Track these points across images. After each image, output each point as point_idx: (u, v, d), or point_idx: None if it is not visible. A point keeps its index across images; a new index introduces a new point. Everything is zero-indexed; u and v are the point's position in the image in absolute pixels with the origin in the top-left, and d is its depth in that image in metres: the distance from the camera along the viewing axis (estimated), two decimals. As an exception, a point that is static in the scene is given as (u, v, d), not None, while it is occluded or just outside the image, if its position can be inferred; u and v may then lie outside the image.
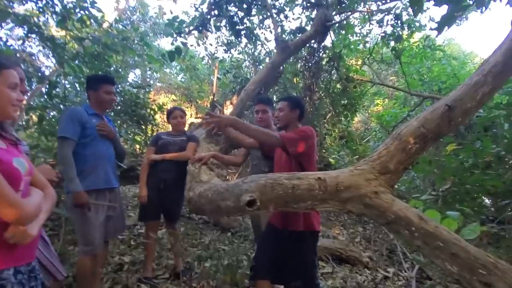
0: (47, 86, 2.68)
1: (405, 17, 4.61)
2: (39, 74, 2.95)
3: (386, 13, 4.37)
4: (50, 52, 3.38)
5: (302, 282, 1.78)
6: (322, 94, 5.40)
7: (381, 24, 4.37)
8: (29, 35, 2.97)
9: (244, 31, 4.43)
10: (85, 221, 1.86)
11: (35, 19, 2.88)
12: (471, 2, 1.54)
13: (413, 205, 1.91)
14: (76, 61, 3.04)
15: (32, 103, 3.35)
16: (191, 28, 4.46)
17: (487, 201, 3.48)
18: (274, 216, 1.92)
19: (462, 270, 1.08)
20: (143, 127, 4.50)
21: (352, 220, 4.96)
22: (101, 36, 3.44)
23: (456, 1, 1.61)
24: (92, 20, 3.18)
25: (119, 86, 4.64)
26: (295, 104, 1.96)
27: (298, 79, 5.83)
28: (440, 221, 1.52)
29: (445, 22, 1.70)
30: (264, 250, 1.89)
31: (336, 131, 5.86)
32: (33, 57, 6.02)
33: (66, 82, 3.91)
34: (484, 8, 1.69)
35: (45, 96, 2.94)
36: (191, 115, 8.98)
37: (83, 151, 1.91)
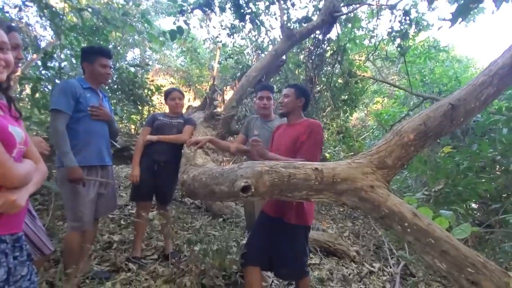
0: (42, 57, 2.58)
1: (413, 14, 4.55)
2: (35, 44, 2.84)
3: (395, 7, 4.28)
4: (47, 22, 3.25)
5: (292, 269, 1.80)
6: (323, 87, 5.35)
7: (392, 11, 4.25)
8: (26, 3, 2.84)
9: (249, 16, 4.31)
10: (75, 197, 1.83)
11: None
12: (486, -3, 1.51)
13: (407, 201, 1.93)
14: (74, 34, 2.94)
15: (26, 73, 3.24)
16: (195, 7, 4.32)
17: (474, 205, 3.54)
18: (268, 205, 1.92)
19: (451, 267, 1.08)
20: (140, 107, 4.42)
21: (342, 214, 5.02)
22: (100, 8, 3.31)
23: None
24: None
25: (117, 63, 4.53)
26: (301, 92, 1.93)
27: (300, 71, 5.75)
28: (432, 219, 1.53)
29: (460, 13, 1.66)
30: (256, 238, 1.90)
31: (334, 125, 5.84)
32: (30, 28, 5.83)
33: (62, 55, 3.79)
34: (499, 3, 1.64)
35: (41, 68, 2.85)
36: (189, 99, 8.87)
37: (76, 126, 1.86)
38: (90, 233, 2.03)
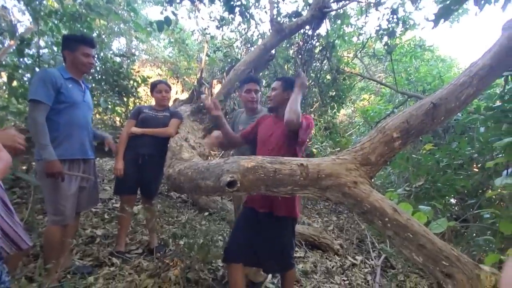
0: (18, 44, 2.44)
1: (401, 13, 4.62)
2: (11, 30, 2.68)
3: (382, 4, 4.32)
4: (26, 7, 3.08)
5: (278, 261, 1.82)
6: (312, 83, 5.38)
7: (377, 9, 4.30)
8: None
9: (239, 8, 4.25)
10: (56, 190, 1.78)
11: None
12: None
13: (388, 197, 1.99)
14: (53, 20, 2.79)
15: (2, 61, 3.07)
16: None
17: (452, 200, 3.70)
18: (253, 199, 1.90)
19: (427, 260, 1.13)
20: (125, 99, 4.29)
21: (327, 209, 5.12)
22: (83, -6, 3.17)
23: None
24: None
25: (101, 53, 4.37)
26: (288, 85, 1.88)
27: (289, 66, 5.75)
28: (411, 214, 1.59)
29: (442, 14, 1.71)
30: (239, 234, 1.89)
31: (322, 121, 5.90)
32: (7, 12, 5.51)
33: (42, 41, 3.61)
34: (481, 5, 1.69)
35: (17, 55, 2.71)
36: (177, 92, 8.70)
37: (57, 118, 1.79)
38: (72, 227, 1.99)
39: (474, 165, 3.06)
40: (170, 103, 3.02)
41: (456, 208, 3.75)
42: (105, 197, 3.55)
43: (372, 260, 3.29)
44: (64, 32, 3.13)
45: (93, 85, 3.83)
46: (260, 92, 2.31)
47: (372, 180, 1.44)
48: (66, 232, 1.89)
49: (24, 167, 3.02)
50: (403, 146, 1.47)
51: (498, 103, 2.19)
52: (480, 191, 3.03)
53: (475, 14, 1.69)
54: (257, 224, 1.83)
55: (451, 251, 1.12)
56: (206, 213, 3.66)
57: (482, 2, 1.71)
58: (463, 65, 11.52)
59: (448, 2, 1.62)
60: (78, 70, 1.92)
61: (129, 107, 4.37)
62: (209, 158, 2.09)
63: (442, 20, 1.75)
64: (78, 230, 2.55)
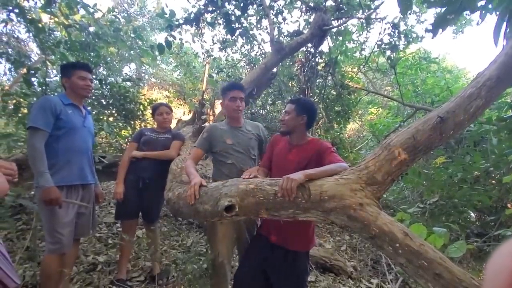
0: (25, 73, 2.53)
1: (402, 27, 4.63)
2: (20, 59, 2.79)
3: (383, 20, 4.35)
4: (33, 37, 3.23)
5: None
6: (316, 99, 5.36)
7: (379, 21, 4.30)
8: (11, 16, 2.80)
9: (240, 30, 4.35)
10: (53, 217, 1.74)
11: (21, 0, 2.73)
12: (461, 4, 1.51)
13: (400, 217, 1.87)
14: (60, 49, 2.90)
15: (12, 90, 3.18)
16: (182, 22, 4.34)
17: (472, 215, 3.48)
18: (266, 227, 1.78)
19: (446, 292, 1.01)
20: (131, 122, 4.36)
21: (339, 228, 4.91)
22: (90, 24, 3.30)
23: (448, 3, 1.57)
24: (81, 8, 3.04)
25: (111, 78, 4.50)
26: (302, 108, 1.71)
27: (293, 83, 5.78)
28: (426, 236, 1.47)
29: (439, 24, 1.67)
30: (250, 260, 1.77)
31: (328, 137, 5.82)
32: (22, 43, 5.82)
33: (53, 70, 3.75)
34: (483, 15, 1.65)
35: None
36: (184, 113, 8.84)
37: (56, 144, 1.79)
38: (70, 255, 1.93)
39: (491, 179, 2.89)
40: (174, 125, 3.03)
41: (475, 225, 3.52)
42: (109, 221, 3.51)
43: (388, 283, 3.07)
44: (73, 61, 3.25)
45: (100, 109, 3.91)
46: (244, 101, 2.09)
47: (380, 200, 1.34)
48: (65, 261, 1.84)
49: (31, 193, 3.03)
50: (411, 163, 1.38)
51: (510, 113, 2.08)
52: (500, 206, 2.85)
53: (476, 24, 1.64)
54: (270, 253, 1.71)
55: (472, 281, 1.00)
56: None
57: (483, 12, 1.67)
58: (471, 75, 11.38)
59: (443, 11, 1.59)
60: (77, 94, 1.94)
61: (136, 130, 4.43)
62: (210, 180, 2.01)
63: (440, 30, 1.71)
64: (80, 257, 2.49)
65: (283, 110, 1.82)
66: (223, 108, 2.38)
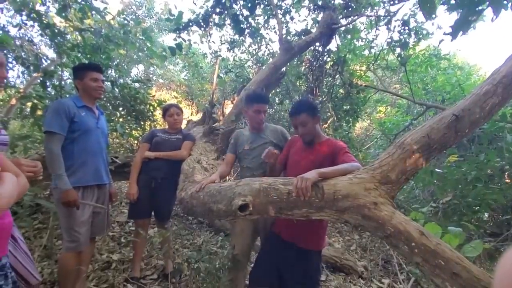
0: (41, 76, 2.60)
1: (412, 24, 4.56)
2: (36, 63, 2.87)
3: (393, 16, 4.28)
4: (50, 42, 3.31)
5: None
6: (325, 98, 5.33)
7: (388, 26, 4.26)
8: (26, 21, 2.89)
9: (248, 30, 4.36)
10: (70, 217, 1.79)
11: (35, 5, 2.80)
12: (485, 7, 1.46)
13: (413, 217, 1.85)
14: (75, 53, 2.97)
15: (27, 93, 3.27)
16: (191, 23, 4.38)
17: (486, 214, 3.41)
18: (279, 225, 1.81)
19: (464, 291, 1.01)
20: (142, 122, 4.42)
21: (348, 227, 4.88)
22: (102, 27, 3.37)
23: (470, 5, 1.53)
24: (94, 11, 3.11)
25: (121, 80, 4.58)
26: (311, 110, 1.73)
27: (301, 82, 5.76)
28: (441, 236, 1.45)
29: (460, 27, 1.63)
30: (264, 259, 1.80)
31: (337, 136, 5.78)
32: (35, 46, 5.97)
33: (66, 73, 3.84)
34: (498, 11, 1.60)
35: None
36: (191, 113, 8.92)
37: (72, 146, 1.84)
38: (87, 253, 1.98)
39: (506, 177, 2.83)
40: (184, 125, 3.06)
41: (489, 224, 3.45)
42: (122, 220, 3.58)
43: (400, 283, 3.04)
44: (85, 62, 3.32)
45: (112, 110, 3.98)
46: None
47: (394, 199, 1.34)
48: (81, 259, 1.88)
49: (46, 193, 3.12)
50: (425, 162, 1.37)
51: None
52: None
53: (491, 20, 1.60)
54: (283, 251, 1.73)
55: (490, 280, 0.99)
56: (222, 234, 3.58)
57: (498, 7, 1.63)
58: (483, 71, 11.11)
59: (463, 13, 1.54)
60: (90, 96, 1.98)
61: (146, 131, 4.49)
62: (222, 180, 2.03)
63: (461, 32, 1.66)
64: (95, 255, 2.54)
65: (296, 124, 1.76)
66: (245, 115, 2.47)
